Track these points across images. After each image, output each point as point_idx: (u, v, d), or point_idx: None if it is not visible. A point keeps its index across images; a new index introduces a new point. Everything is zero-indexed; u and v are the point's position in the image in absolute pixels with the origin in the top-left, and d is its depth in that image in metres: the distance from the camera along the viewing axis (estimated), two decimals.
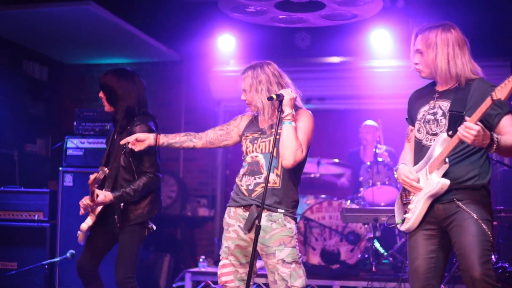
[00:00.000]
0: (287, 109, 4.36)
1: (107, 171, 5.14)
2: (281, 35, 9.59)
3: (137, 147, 4.81)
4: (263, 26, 8.79)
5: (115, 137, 5.39)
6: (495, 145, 3.75)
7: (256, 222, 4.27)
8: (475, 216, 3.88)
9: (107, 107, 5.41)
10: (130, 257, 5.26)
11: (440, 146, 3.97)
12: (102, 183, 5.28)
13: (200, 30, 9.56)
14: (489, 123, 3.90)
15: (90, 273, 5.41)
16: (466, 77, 4.03)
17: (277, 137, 4.42)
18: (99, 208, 5.27)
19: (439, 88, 4.16)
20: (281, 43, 9.77)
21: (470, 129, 3.64)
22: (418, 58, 4.16)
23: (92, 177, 4.98)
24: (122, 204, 5.22)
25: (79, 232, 5.34)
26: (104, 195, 5.11)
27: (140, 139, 4.82)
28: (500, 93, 3.52)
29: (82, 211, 5.23)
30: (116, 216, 5.24)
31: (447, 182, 3.92)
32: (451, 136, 3.92)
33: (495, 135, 3.75)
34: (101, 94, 5.40)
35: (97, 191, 5.10)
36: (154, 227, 5.38)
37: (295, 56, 9.96)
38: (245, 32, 9.52)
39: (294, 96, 4.39)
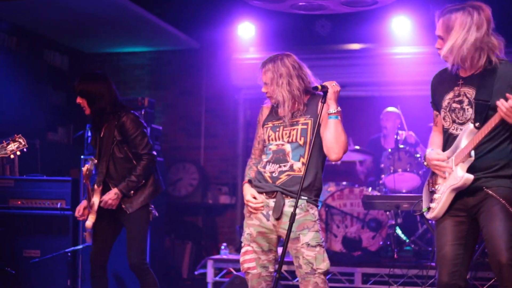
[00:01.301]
0: (332, 104, 4.37)
1: (96, 160, 5.45)
2: (301, 23, 9.55)
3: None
4: (283, 14, 8.77)
5: (102, 135, 5.64)
6: None
7: (283, 210, 4.39)
8: (504, 202, 3.85)
9: (88, 110, 5.64)
10: (140, 241, 5.60)
11: (466, 138, 3.92)
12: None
13: (220, 18, 9.55)
14: None
15: (103, 265, 5.68)
16: (489, 59, 3.96)
17: (305, 127, 4.46)
18: (96, 204, 5.54)
19: (463, 73, 4.07)
20: (301, 30, 9.74)
21: None
22: (440, 44, 4.09)
23: (84, 169, 5.33)
24: (132, 191, 5.54)
25: (85, 233, 5.67)
26: (108, 193, 5.47)
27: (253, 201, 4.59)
28: None
29: (81, 218, 5.63)
30: (123, 206, 5.54)
31: (470, 177, 3.88)
32: (477, 128, 3.88)
33: None
34: (79, 100, 5.62)
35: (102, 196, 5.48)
36: (156, 214, 5.73)
37: (315, 43, 9.93)
38: (265, 20, 9.49)
39: (338, 89, 4.37)
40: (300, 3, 7.98)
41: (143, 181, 5.57)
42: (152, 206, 5.70)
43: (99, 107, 5.57)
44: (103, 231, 5.65)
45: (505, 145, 3.96)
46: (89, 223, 5.53)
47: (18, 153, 5.44)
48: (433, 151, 4.12)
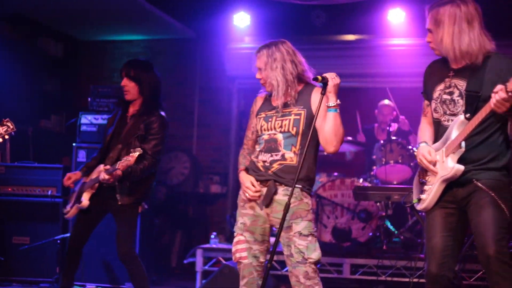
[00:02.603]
0: (332, 96, 4.33)
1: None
2: (296, 13, 9.55)
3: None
4: (278, 3, 8.77)
5: (127, 121, 5.68)
6: None
7: (276, 198, 4.41)
8: (493, 194, 3.85)
9: (131, 96, 5.66)
10: (130, 232, 5.60)
11: (456, 129, 3.92)
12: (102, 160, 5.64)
13: (216, 7, 9.54)
14: None
15: (80, 250, 5.71)
16: (476, 54, 3.95)
17: (297, 117, 4.46)
18: (97, 184, 5.55)
19: (454, 65, 4.07)
20: (296, 20, 9.74)
21: (506, 101, 3.58)
22: (430, 37, 4.10)
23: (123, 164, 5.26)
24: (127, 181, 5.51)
25: (73, 208, 5.66)
26: (117, 168, 5.34)
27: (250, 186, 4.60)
28: None
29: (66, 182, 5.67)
30: (117, 195, 5.51)
31: (461, 168, 3.88)
32: (468, 119, 3.87)
33: None
34: (126, 82, 5.64)
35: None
36: (146, 206, 5.75)
37: (311, 33, 9.92)
38: (261, 9, 9.49)
39: (338, 81, 4.32)
40: None
41: (140, 178, 5.52)
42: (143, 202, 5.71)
43: (147, 96, 5.65)
44: (89, 216, 5.64)
45: (496, 137, 3.96)
46: (86, 202, 5.53)
47: (6, 136, 5.42)
48: (426, 148, 4.11)
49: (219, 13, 9.65)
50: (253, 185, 4.49)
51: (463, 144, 3.86)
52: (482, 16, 4.04)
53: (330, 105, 4.34)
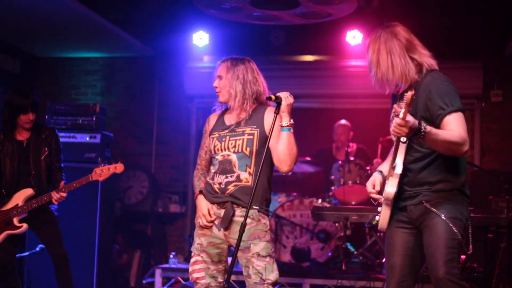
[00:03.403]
0: (285, 116, 4.33)
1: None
2: (255, 33, 9.60)
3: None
4: (238, 23, 8.81)
5: (24, 146, 5.98)
6: (421, 134, 3.66)
7: (234, 220, 4.41)
8: (442, 216, 3.89)
9: (31, 125, 6.01)
10: (61, 236, 5.94)
11: (397, 151, 3.97)
12: (16, 187, 5.92)
13: (175, 25, 9.55)
14: (433, 123, 3.84)
15: (13, 269, 5.91)
16: (404, 78, 4.01)
17: (250, 137, 4.45)
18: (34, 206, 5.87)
19: (401, 89, 4.13)
20: (255, 40, 9.78)
21: (402, 126, 3.62)
22: None
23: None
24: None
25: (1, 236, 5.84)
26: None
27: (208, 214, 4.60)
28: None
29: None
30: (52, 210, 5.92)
31: (390, 192, 3.91)
32: (403, 142, 3.87)
33: (423, 124, 3.67)
34: (32, 117, 5.96)
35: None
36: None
37: (269, 53, 9.98)
38: (220, 29, 9.51)
39: (292, 101, 4.31)
40: (255, 13, 8.00)
41: None
42: None
43: (37, 119, 6.05)
44: (16, 236, 5.89)
45: (440, 161, 3.98)
46: (25, 226, 5.84)
47: None
48: (372, 178, 4.17)
49: (178, 32, 9.66)
50: (209, 214, 4.49)
51: (397, 168, 3.91)
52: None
53: (284, 125, 4.34)
